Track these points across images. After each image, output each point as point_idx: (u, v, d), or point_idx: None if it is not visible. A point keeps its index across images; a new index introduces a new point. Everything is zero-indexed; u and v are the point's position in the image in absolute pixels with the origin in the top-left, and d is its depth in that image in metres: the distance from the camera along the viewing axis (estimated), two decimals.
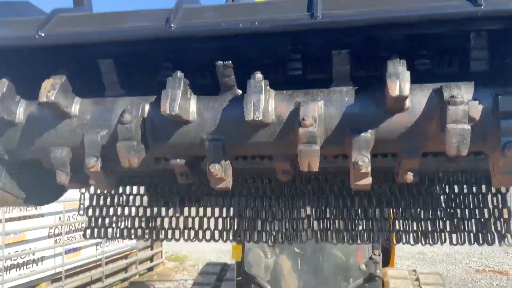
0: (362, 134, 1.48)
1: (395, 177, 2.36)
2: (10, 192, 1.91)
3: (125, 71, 1.77)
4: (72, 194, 9.11)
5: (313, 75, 1.76)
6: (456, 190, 2.42)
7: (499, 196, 2.33)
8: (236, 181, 2.52)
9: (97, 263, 11.32)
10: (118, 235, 2.74)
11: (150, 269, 13.94)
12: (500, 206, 2.34)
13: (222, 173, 1.59)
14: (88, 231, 2.72)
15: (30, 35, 1.57)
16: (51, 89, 1.56)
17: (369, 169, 1.49)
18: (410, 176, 1.67)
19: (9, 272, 8.73)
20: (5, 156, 1.82)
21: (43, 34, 1.57)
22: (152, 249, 14.24)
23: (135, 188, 2.74)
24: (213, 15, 1.58)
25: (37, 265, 9.48)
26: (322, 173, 2.47)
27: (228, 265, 7.45)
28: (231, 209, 2.67)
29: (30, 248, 9.25)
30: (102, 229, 2.72)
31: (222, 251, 16.10)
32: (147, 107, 1.63)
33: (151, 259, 14.19)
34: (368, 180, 1.55)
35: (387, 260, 6.60)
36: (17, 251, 8.91)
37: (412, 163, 1.62)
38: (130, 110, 1.59)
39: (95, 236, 2.74)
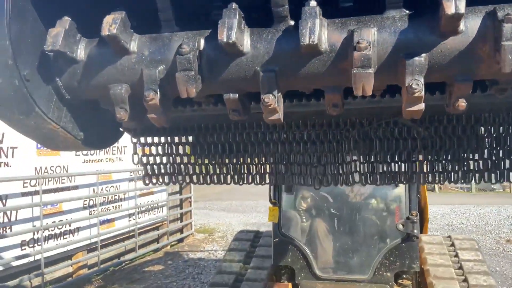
0: (416, 58, 1.48)
1: (441, 118, 2.39)
2: (71, 132, 1.97)
3: (180, 10, 1.79)
4: (106, 167, 9.39)
5: (364, 5, 1.75)
6: (501, 130, 2.42)
7: None
8: (282, 127, 2.57)
9: (130, 234, 11.60)
10: (173, 180, 2.84)
11: (181, 240, 14.22)
12: None
13: (275, 103, 1.61)
14: (146, 178, 2.82)
15: None
16: (112, 23, 1.60)
17: (423, 93, 1.50)
18: (462, 103, 1.64)
19: (47, 242, 9.03)
20: (66, 95, 1.87)
21: None
22: (181, 221, 14.51)
23: (183, 139, 2.81)
24: None
25: (73, 235, 9.78)
26: (367, 117, 2.48)
27: (260, 233, 7.52)
28: (277, 154, 2.71)
29: (66, 219, 9.52)
30: (159, 176, 2.82)
31: (249, 224, 16.40)
32: (202, 40, 1.66)
33: (181, 230, 14.47)
34: (421, 106, 1.56)
35: (420, 227, 6.56)
36: (54, 221, 9.18)
37: (465, 88, 1.61)
38: (187, 42, 1.64)
39: (153, 182, 2.84)
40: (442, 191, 29.12)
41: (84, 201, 10.06)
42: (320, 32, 1.50)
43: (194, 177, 2.84)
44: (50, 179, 9.18)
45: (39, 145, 8.96)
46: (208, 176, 2.83)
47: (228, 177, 2.77)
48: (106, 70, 1.76)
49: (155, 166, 2.84)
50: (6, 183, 8.00)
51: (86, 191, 10.09)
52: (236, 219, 18.13)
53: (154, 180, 2.85)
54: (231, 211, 20.63)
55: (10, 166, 8.28)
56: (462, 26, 1.46)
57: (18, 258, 8.24)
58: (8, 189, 8.15)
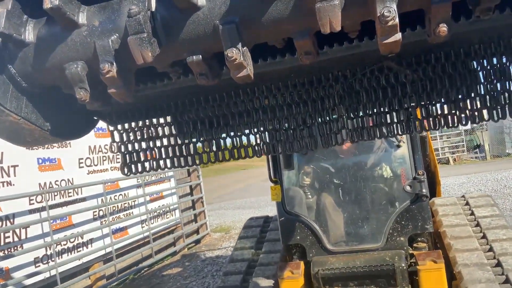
0: None
1: (428, 58, 2.22)
2: (36, 123, 1.84)
3: None
4: (112, 176, 9.31)
5: None
6: (495, 61, 2.23)
7: None
8: (261, 91, 2.42)
9: (145, 240, 11.52)
10: (154, 167, 2.69)
11: (198, 241, 14.14)
12: None
13: (240, 57, 1.45)
14: (125, 168, 2.66)
15: None
16: None
17: (397, 21, 1.33)
18: (443, 28, 1.47)
19: (61, 257, 8.98)
20: (22, 83, 1.74)
21: None
22: (196, 222, 14.43)
23: (161, 119, 2.67)
24: None
25: (87, 247, 9.72)
26: (349, 68, 2.32)
27: (270, 217, 7.39)
28: (260, 123, 2.55)
29: (78, 232, 9.46)
30: (139, 164, 2.67)
31: None
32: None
33: (197, 232, 14.39)
34: (398, 36, 1.38)
35: (433, 191, 6.38)
36: (65, 235, 9.13)
37: (444, 11, 1.43)
38: (137, 3, 1.48)
39: (133, 171, 2.69)
40: (456, 163, 28.76)
41: (94, 212, 10.00)
42: None
43: (175, 160, 2.69)
44: (56, 193, 9.12)
45: (40, 161, 8.92)
46: (190, 157, 2.68)
47: (212, 154, 2.62)
48: (58, 49, 1.61)
49: (134, 154, 2.70)
50: (12, 201, 7.95)
51: (95, 202, 10.04)
52: (252, 215, 17.94)
53: (133, 170, 2.70)
54: (247, 208, 20.52)
55: (14, 184, 8.23)
56: None
57: (32, 275, 8.19)
58: (14, 207, 8.10)
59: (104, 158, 10.74)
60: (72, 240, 9.31)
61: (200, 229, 14.52)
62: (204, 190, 14.93)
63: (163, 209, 12.56)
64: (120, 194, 10.99)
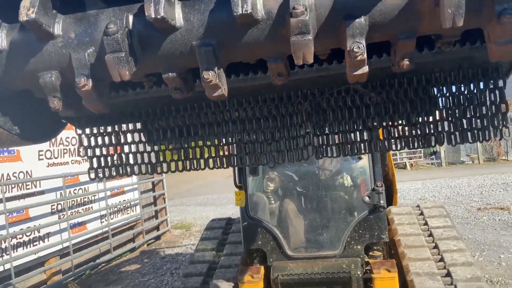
0: (356, 19, 1.40)
1: (392, 82, 2.36)
2: (3, 127, 1.84)
3: None
4: (72, 169, 9.14)
5: None
6: (453, 89, 2.39)
7: (497, 91, 2.30)
8: (233, 105, 2.50)
9: (104, 236, 11.38)
10: (121, 173, 2.72)
11: (158, 238, 14.07)
12: (498, 101, 2.31)
13: (216, 79, 1.52)
14: (92, 172, 2.68)
15: None
16: (30, 6, 1.47)
17: (365, 56, 1.43)
18: (406, 62, 1.60)
19: (16, 251, 8.77)
20: None
21: None
22: (157, 218, 14.35)
23: (131, 126, 2.70)
24: None
25: (43, 241, 9.53)
26: (317, 87, 2.43)
27: (232, 219, 7.47)
28: (229, 135, 2.63)
29: (34, 225, 9.26)
30: (105, 169, 2.69)
31: (226, 215, 16.31)
32: (131, 17, 1.53)
33: (157, 228, 14.31)
34: (365, 69, 1.48)
35: (390, 199, 6.63)
36: (22, 229, 8.92)
37: (409, 45, 1.55)
38: (114, 21, 1.51)
39: (100, 176, 2.71)
40: (413, 168, 29.69)
41: (52, 205, 9.81)
42: (254, 0, 1.41)
43: (143, 167, 2.73)
44: (13, 185, 8.90)
45: None
46: (158, 165, 2.73)
47: (180, 163, 2.68)
48: (33, 58, 1.61)
49: (102, 158, 2.72)
50: None
51: (53, 195, 9.84)
52: (213, 212, 18.05)
53: (100, 174, 2.72)
54: (208, 205, 20.54)
55: None
56: None
57: None
58: None
59: (65, 151, 10.53)
60: (28, 234, 9.11)
61: (161, 226, 14.45)
62: (166, 186, 14.86)
63: (124, 205, 12.43)
64: (80, 188, 10.81)
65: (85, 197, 10.96)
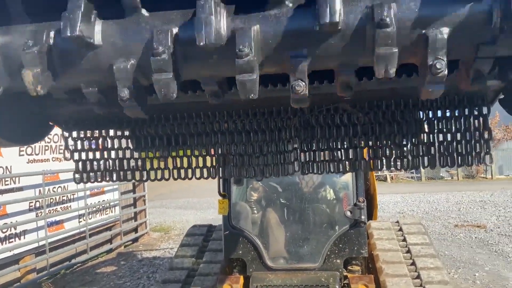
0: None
1: (379, 104, 2.40)
2: None
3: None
4: (53, 166, 9.02)
5: None
6: (439, 114, 2.45)
7: (481, 118, 2.36)
8: (222, 115, 2.52)
9: (81, 235, 11.24)
10: (107, 178, 2.71)
11: (135, 240, 13.94)
12: (482, 128, 2.38)
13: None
14: (77, 175, 2.67)
15: None
16: None
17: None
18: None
19: None
20: None
21: None
22: (136, 220, 14.22)
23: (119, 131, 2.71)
24: None
25: (19, 238, 9.36)
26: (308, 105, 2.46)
27: (214, 226, 7.45)
28: (218, 146, 2.65)
29: (11, 222, 9.10)
30: (91, 173, 2.69)
31: (206, 220, 16.22)
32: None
33: (135, 230, 14.18)
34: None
35: (370, 214, 6.70)
36: None
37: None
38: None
39: (84, 180, 2.70)
40: (393, 181, 30.02)
41: (30, 203, 9.65)
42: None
43: (129, 174, 2.73)
44: None
45: None
46: (145, 172, 2.73)
47: (166, 172, 2.68)
48: None
49: (87, 162, 2.71)
50: None
51: (32, 192, 9.69)
52: (193, 216, 17.96)
53: (85, 179, 2.71)
54: (189, 208, 20.43)
55: None
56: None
57: None
58: None
59: (46, 148, 10.39)
60: (4, 230, 8.94)
61: (139, 228, 14.33)
62: (147, 187, 14.75)
63: (103, 205, 12.30)
64: (60, 186, 10.67)
65: (64, 196, 10.81)
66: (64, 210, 10.75)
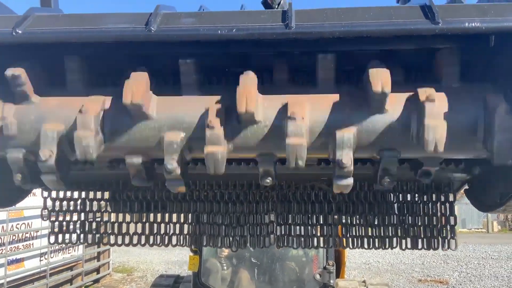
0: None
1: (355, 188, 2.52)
2: None
3: (93, 71, 1.76)
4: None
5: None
6: (408, 198, 2.59)
7: (448, 205, 2.52)
8: (202, 186, 2.59)
9: (41, 275, 10.85)
10: (82, 241, 2.74)
11: (97, 281, 13.52)
12: (448, 213, 2.53)
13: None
14: (52, 236, 2.68)
15: (7, 32, 1.51)
16: None
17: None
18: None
19: None
20: None
21: (20, 32, 1.52)
22: (98, 260, 13.83)
23: (99, 194, 2.72)
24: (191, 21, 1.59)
25: None
26: (286, 180, 2.57)
27: (181, 277, 7.36)
28: (195, 214, 2.71)
29: None
30: (67, 234, 2.70)
31: (171, 262, 15.92)
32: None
33: (97, 270, 13.77)
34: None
35: (338, 271, 6.76)
36: None
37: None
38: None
39: (59, 241, 2.72)
40: None
41: None
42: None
43: (105, 237, 2.76)
44: None
45: None
46: (121, 236, 2.75)
47: (143, 237, 2.72)
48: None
49: (64, 223, 2.72)
50: None
51: None
52: (158, 256, 17.56)
53: (60, 240, 2.73)
54: (153, 248, 19.91)
55: None
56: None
57: None
58: None
59: None
60: None
61: (102, 268, 13.92)
62: None
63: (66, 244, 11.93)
64: (23, 223, 10.37)
65: (27, 233, 10.49)
66: (26, 248, 10.40)
